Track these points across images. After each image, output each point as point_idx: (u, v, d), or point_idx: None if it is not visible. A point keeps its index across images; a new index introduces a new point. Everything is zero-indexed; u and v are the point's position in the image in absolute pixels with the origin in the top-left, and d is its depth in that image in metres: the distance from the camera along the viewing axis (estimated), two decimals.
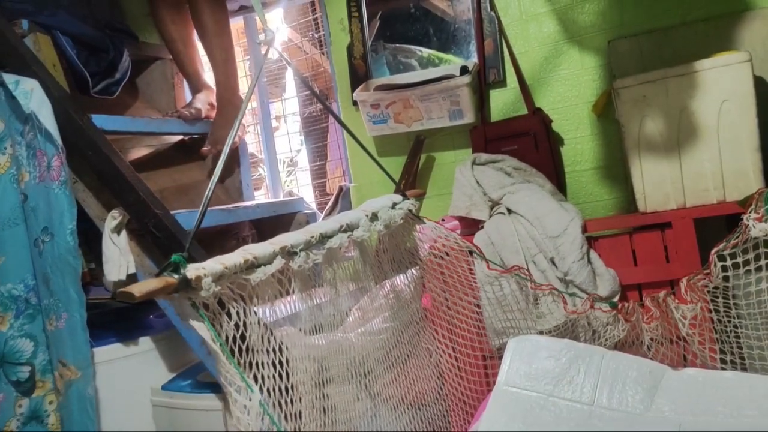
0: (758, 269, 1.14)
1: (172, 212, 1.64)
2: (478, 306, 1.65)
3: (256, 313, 1.04)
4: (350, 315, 1.48)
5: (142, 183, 1.70)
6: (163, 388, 1.84)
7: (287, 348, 1.10)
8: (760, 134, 1.60)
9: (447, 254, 1.62)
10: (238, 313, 1.00)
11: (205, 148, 2.13)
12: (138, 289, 0.93)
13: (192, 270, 0.97)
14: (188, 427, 1.78)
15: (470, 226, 1.90)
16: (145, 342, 1.92)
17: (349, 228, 1.22)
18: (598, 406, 1.18)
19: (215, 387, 1.72)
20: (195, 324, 0.96)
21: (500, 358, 1.35)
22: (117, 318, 1.98)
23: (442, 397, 1.65)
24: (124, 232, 1.72)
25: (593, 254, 1.72)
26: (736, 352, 1.24)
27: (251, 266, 1.04)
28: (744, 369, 1.23)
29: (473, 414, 1.49)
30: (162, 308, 1.80)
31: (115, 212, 1.70)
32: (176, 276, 0.96)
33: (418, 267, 1.66)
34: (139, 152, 2.26)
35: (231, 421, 0.96)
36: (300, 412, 1.04)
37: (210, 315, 0.98)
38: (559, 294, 1.41)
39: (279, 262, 1.06)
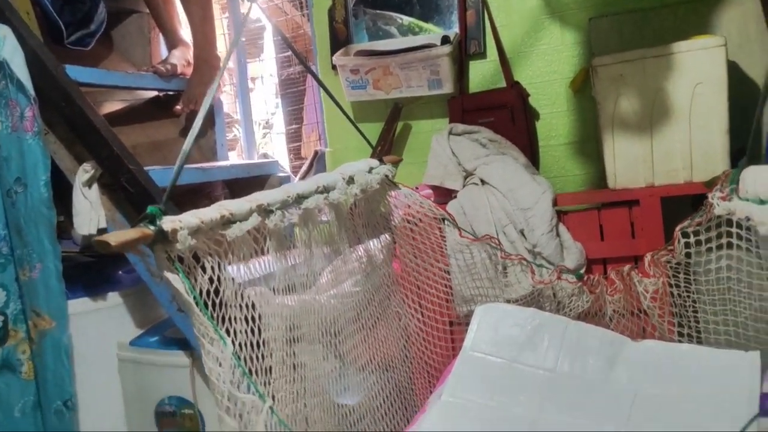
0: (719, 247, 1.18)
1: (145, 168, 1.62)
2: (448, 273, 1.68)
3: (229, 270, 1.04)
4: (322, 277, 1.50)
5: (116, 137, 1.68)
6: (131, 343, 1.84)
7: (259, 305, 1.11)
8: (730, 118, 1.65)
9: (420, 221, 1.64)
10: (212, 268, 1.00)
11: (179, 107, 2.10)
12: (115, 239, 0.92)
13: (168, 222, 0.96)
14: (155, 382, 1.79)
15: (444, 195, 1.92)
16: (114, 297, 1.91)
17: (326, 190, 1.23)
18: (560, 373, 1.23)
19: (183, 344, 1.73)
20: (169, 276, 0.97)
21: (467, 324, 1.38)
22: (85, 272, 1.96)
23: (409, 361, 1.68)
24: (95, 186, 1.70)
25: (562, 228, 1.76)
26: (693, 326, 1.29)
27: (227, 222, 1.04)
28: (700, 342, 1.29)
29: (438, 377, 1.53)
30: (132, 263, 1.80)
31: (87, 165, 1.68)
32: (152, 228, 0.95)
33: (390, 233, 1.68)
34: (112, 106, 2.22)
35: (205, 381, 0.97)
36: (270, 368, 1.05)
37: (185, 268, 0.98)
38: (528, 264, 1.44)
39: (255, 219, 1.07)
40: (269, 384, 1.05)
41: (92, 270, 2.01)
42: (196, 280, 0.99)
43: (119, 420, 1.86)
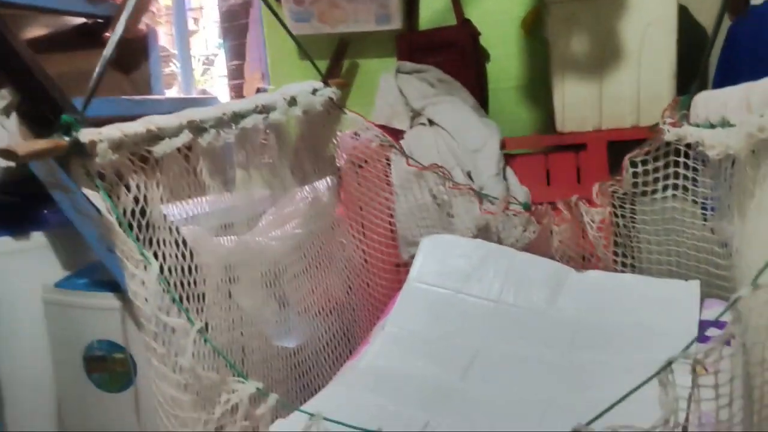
0: (666, 177, 1.17)
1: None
2: (392, 217, 1.64)
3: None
4: (263, 219, 1.44)
5: (37, 62, 1.55)
6: (57, 285, 1.74)
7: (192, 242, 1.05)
8: (678, 62, 1.64)
9: (366, 162, 1.59)
10: (138, 187, 0.93)
11: (108, 33, 1.96)
12: (23, 149, 0.83)
13: (86, 134, 0.88)
14: (83, 326, 1.71)
15: (391, 135, 1.87)
16: (38, 237, 1.80)
17: (265, 109, 1.15)
18: (504, 303, 1.22)
19: (113, 286, 1.64)
20: (89, 193, 0.89)
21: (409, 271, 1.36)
22: (5, 211, 1.83)
23: (353, 305, 1.66)
24: (14, 115, 1.57)
25: (509, 171, 1.74)
26: (636, 257, 1.30)
27: (155, 138, 0.96)
28: (642, 272, 1.29)
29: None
30: (57, 201, 1.68)
31: (4, 92, 1.55)
32: (67, 139, 0.87)
33: (335, 176, 1.63)
34: (34, 31, 2.06)
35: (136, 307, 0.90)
36: (203, 294, 0.99)
37: (106, 186, 0.90)
38: (476, 194, 1.42)
39: (186, 137, 0.99)
40: (202, 311, 0.99)
41: (14, 209, 1.88)
42: (119, 198, 0.91)
43: (45, 365, 1.76)
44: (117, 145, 0.91)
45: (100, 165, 0.88)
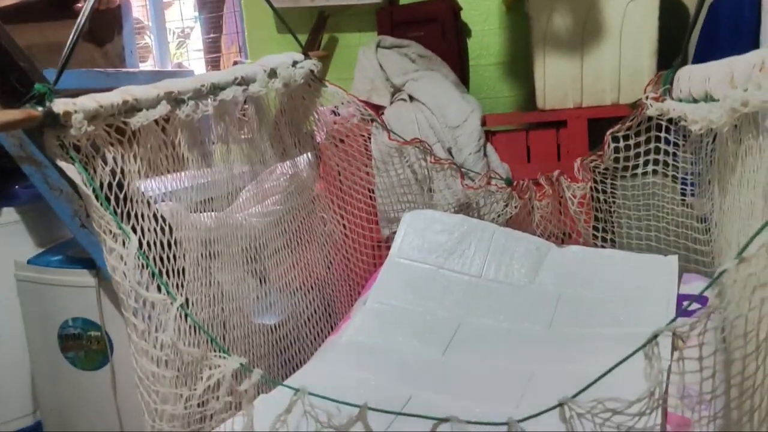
0: (647, 152, 1.18)
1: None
2: (372, 192, 1.63)
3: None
4: (243, 194, 1.42)
5: (6, 33, 1.49)
6: (29, 262, 1.70)
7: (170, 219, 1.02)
8: (659, 41, 1.64)
9: (347, 136, 1.57)
10: (115, 159, 0.90)
11: (80, 4, 1.90)
12: None
13: (60, 104, 0.85)
14: (57, 304, 1.68)
15: (370, 110, 1.85)
16: (9, 213, 1.76)
17: (245, 81, 1.12)
18: (485, 279, 1.22)
19: (88, 263, 1.61)
20: (64, 166, 0.86)
21: (390, 248, 1.35)
22: None
23: (333, 281, 1.65)
24: None
25: (490, 148, 1.74)
26: (616, 232, 1.31)
27: (132, 109, 0.93)
28: (621, 247, 1.30)
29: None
30: (28, 176, 1.64)
31: None
32: (40, 109, 0.84)
33: (315, 152, 1.61)
34: (3, 1, 1.98)
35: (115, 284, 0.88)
36: (183, 269, 0.98)
37: (82, 158, 0.87)
38: (457, 169, 1.41)
39: (164, 108, 0.96)
40: (182, 287, 0.97)
41: None
42: (95, 171, 0.88)
43: (19, 343, 1.73)
44: (92, 116, 0.88)
45: (74, 136, 0.86)
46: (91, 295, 1.62)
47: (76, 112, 0.86)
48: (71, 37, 0.95)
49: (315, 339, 1.45)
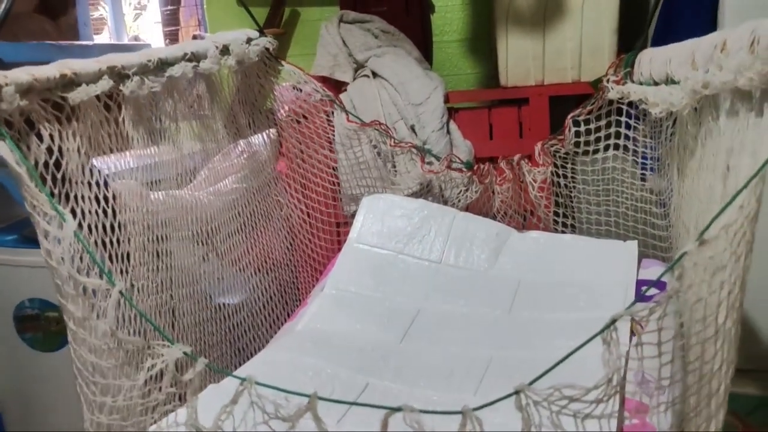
0: (607, 136, 1.17)
1: None
2: (335, 171, 1.60)
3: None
4: (199, 175, 1.37)
5: None
6: None
7: (118, 190, 0.97)
8: (620, 18, 1.64)
9: (308, 113, 1.53)
10: (51, 136, 0.84)
11: None
12: None
13: None
14: (13, 284, 1.61)
15: (333, 88, 1.80)
16: None
17: (195, 58, 1.07)
18: (445, 264, 1.20)
19: None
20: None
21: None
22: None
23: (292, 265, 1.61)
24: None
25: (453, 125, 1.72)
26: (576, 217, 1.30)
27: (70, 83, 0.87)
28: (581, 233, 1.30)
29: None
30: None
31: None
32: None
33: (274, 130, 1.56)
34: None
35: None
36: (128, 254, 0.93)
37: (14, 134, 0.81)
38: (418, 152, 1.38)
39: (106, 83, 0.90)
40: (126, 272, 0.92)
41: None
42: (29, 148, 0.83)
43: None
44: (26, 90, 0.82)
45: (6, 111, 0.80)
46: (48, 275, 1.56)
47: (7, 84, 0.79)
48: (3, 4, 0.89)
49: (271, 326, 1.42)
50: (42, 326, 1.59)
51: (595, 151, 1.19)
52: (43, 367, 1.61)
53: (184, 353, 0.71)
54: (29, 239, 1.58)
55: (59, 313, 1.53)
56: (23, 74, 0.82)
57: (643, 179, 1.19)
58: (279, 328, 1.24)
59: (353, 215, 1.42)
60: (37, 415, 1.65)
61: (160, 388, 0.70)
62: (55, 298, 1.53)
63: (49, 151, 0.84)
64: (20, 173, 0.80)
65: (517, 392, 0.60)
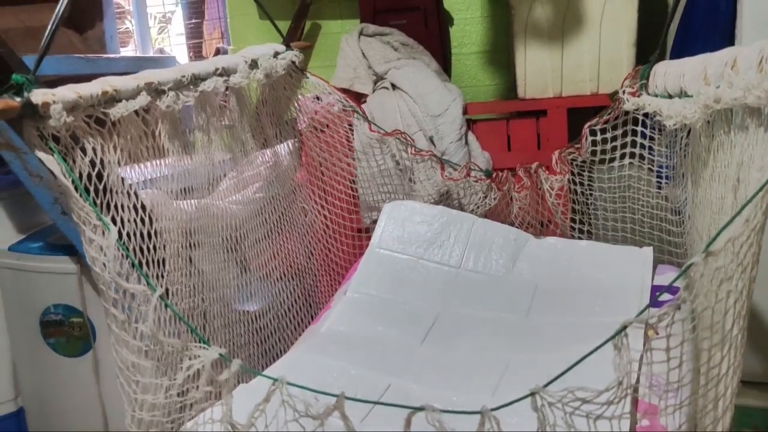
0: (623, 145, 1.20)
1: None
2: (353, 182, 1.64)
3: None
4: (224, 182, 1.42)
5: None
6: (10, 249, 1.69)
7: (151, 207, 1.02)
8: (638, 31, 1.66)
9: (328, 126, 1.57)
10: (94, 150, 0.90)
11: None
12: None
13: (39, 94, 0.84)
14: (39, 290, 1.67)
15: (352, 100, 1.85)
16: None
17: (226, 72, 1.12)
18: (465, 269, 1.23)
19: (69, 249, 1.61)
20: (43, 156, 0.85)
21: (371, 237, 1.36)
22: None
23: (314, 271, 1.66)
24: None
25: (471, 136, 1.75)
26: (592, 223, 1.33)
27: (111, 100, 0.93)
28: (597, 239, 1.33)
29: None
30: (7, 162, 1.62)
31: None
32: (18, 99, 0.83)
33: (296, 140, 1.61)
34: None
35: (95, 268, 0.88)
36: (164, 260, 0.98)
37: (61, 149, 0.87)
38: (438, 160, 1.42)
39: (144, 99, 0.96)
40: (162, 277, 0.98)
41: None
42: (74, 162, 0.88)
43: (1, 330, 1.73)
44: (72, 107, 0.88)
45: (54, 127, 0.85)
46: (73, 282, 1.61)
47: (54, 102, 0.85)
48: (50, 23, 0.94)
49: (296, 328, 1.46)
50: (66, 331, 1.64)
51: (612, 160, 1.22)
52: (65, 371, 1.66)
53: (220, 355, 0.76)
54: (54, 246, 1.64)
55: (83, 318, 1.60)
56: (69, 92, 0.88)
57: (658, 187, 1.21)
58: (303, 331, 1.29)
59: (371, 225, 1.46)
60: (59, 418, 1.70)
61: (197, 387, 0.75)
62: (79, 304, 1.60)
63: (92, 163, 0.90)
64: (67, 185, 0.85)
65: (532, 394, 0.64)
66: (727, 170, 0.83)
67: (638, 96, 1.08)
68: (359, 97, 1.83)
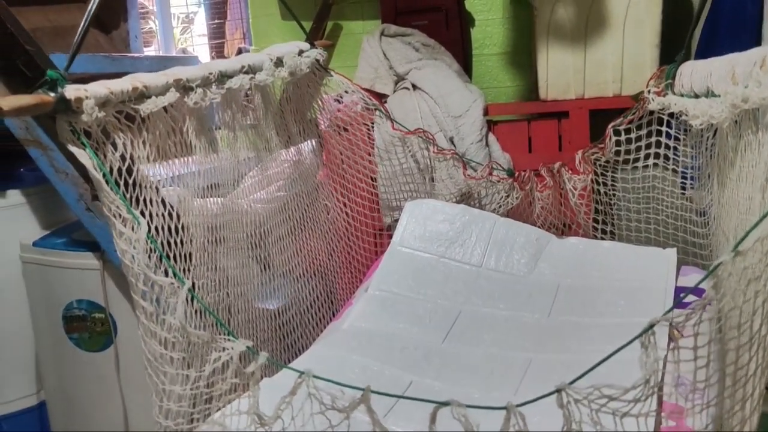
0: (648, 146, 1.19)
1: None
2: (374, 181, 1.64)
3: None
4: (247, 180, 1.43)
5: (11, 14, 1.49)
6: (35, 244, 1.72)
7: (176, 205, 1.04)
8: (662, 32, 1.65)
9: (350, 125, 1.58)
10: (124, 145, 0.91)
11: None
12: (8, 103, 0.81)
13: (72, 90, 0.86)
14: (62, 285, 1.69)
15: (373, 99, 1.86)
16: (15, 195, 1.77)
17: (252, 70, 1.14)
18: (486, 268, 1.23)
19: (92, 245, 1.63)
20: (75, 151, 0.87)
21: (391, 236, 1.36)
22: None
23: (335, 268, 1.67)
24: None
25: (492, 138, 1.75)
26: (615, 224, 1.32)
27: (141, 96, 0.95)
28: (621, 239, 1.32)
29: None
30: (34, 159, 1.65)
31: None
32: (53, 95, 0.85)
33: (318, 139, 1.62)
34: None
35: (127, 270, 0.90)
36: (190, 254, 0.99)
37: (92, 143, 0.89)
38: (460, 159, 1.42)
39: (173, 96, 0.97)
40: (189, 271, 0.99)
41: None
42: (105, 156, 0.90)
43: (24, 324, 1.75)
44: (103, 102, 0.89)
45: (86, 122, 0.87)
46: (96, 278, 1.63)
47: (87, 98, 0.87)
48: (83, 22, 0.96)
49: (317, 325, 1.47)
50: (88, 327, 1.66)
51: (636, 160, 1.22)
52: (88, 366, 1.68)
53: (247, 347, 0.77)
54: (78, 242, 1.66)
55: (105, 314, 1.62)
56: (101, 88, 0.90)
57: (683, 188, 1.21)
58: (324, 327, 1.30)
59: (392, 223, 1.46)
60: (80, 411, 1.72)
61: (224, 379, 0.76)
62: (102, 299, 1.62)
63: (122, 158, 0.91)
64: (98, 179, 0.87)
65: (558, 390, 0.64)
66: (754, 170, 0.82)
67: (664, 95, 1.07)
68: (380, 98, 1.84)
